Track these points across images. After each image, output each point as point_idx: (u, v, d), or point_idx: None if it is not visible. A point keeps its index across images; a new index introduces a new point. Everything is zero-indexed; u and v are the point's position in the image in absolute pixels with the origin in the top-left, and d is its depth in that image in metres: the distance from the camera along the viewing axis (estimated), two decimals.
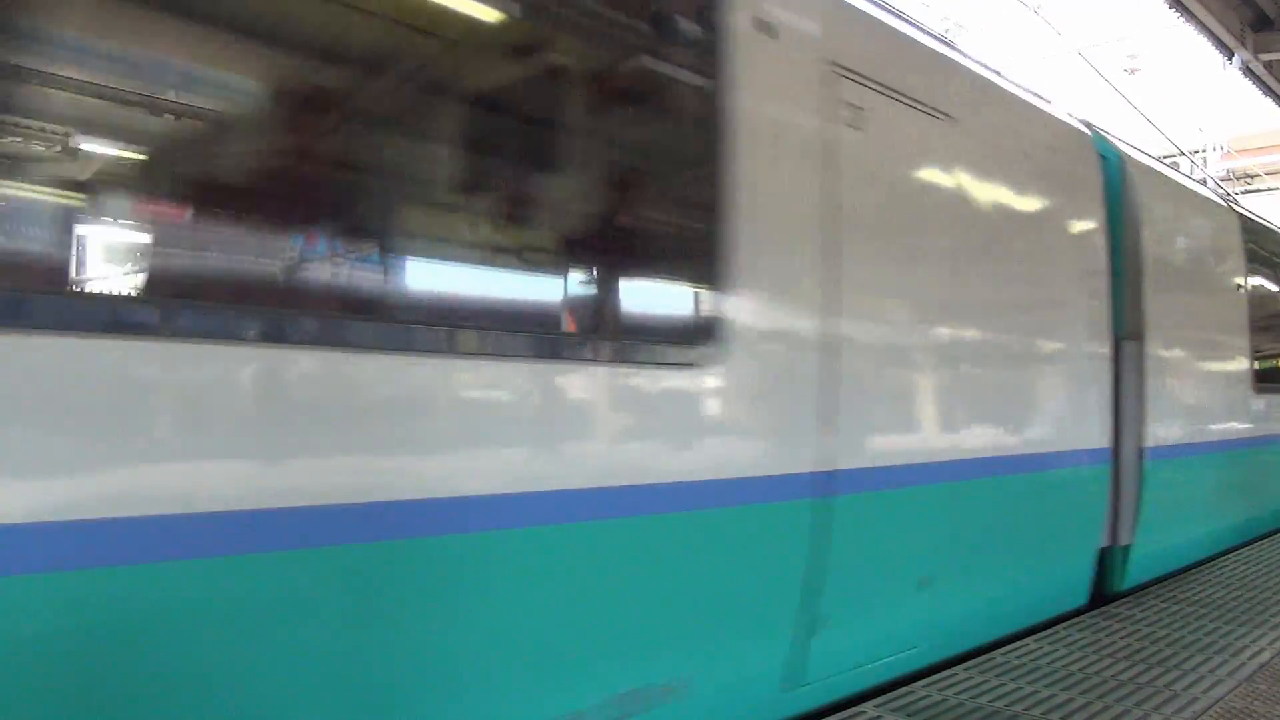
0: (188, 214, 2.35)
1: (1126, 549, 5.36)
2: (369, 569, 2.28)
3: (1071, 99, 5.78)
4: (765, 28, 3.24)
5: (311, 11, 2.51)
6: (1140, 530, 5.37)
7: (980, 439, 4.28)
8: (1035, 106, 5.03)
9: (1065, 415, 4.89)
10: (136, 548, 1.92)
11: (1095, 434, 5.06)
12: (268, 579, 2.12)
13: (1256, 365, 7.18)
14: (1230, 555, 6.73)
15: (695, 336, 3.03)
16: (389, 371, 2.33)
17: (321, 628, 2.22)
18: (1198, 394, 6.43)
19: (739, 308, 3.09)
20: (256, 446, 2.12)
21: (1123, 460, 5.28)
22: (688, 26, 3.12)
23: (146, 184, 2.31)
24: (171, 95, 2.31)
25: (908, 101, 3.88)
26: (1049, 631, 4.50)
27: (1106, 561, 5.33)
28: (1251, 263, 7.30)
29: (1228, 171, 20.59)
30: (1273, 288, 7.97)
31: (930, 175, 4.02)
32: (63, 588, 1.85)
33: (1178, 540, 6.10)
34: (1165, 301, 5.76)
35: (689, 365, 2.97)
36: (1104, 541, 5.23)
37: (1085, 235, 5.11)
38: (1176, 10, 10.10)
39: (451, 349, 2.44)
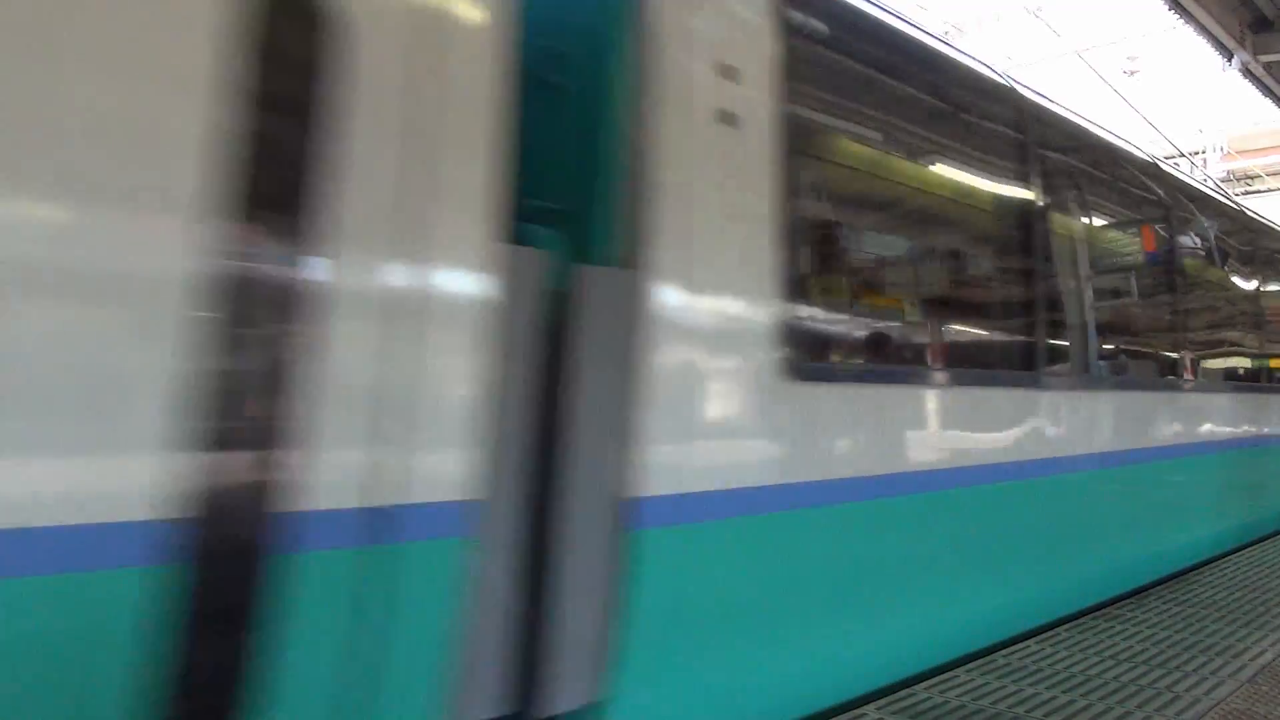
0: None
1: None
2: None
3: (1072, 101, 5.78)
4: None
5: None
6: None
7: None
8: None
9: None
10: None
11: None
12: None
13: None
14: (1233, 556, 6.73)
15: None
16: None
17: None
18: None
19: None
20: None
21: None
22: None
23: None
24: None
25: None
26: (1050, 634, 4.50)
27: None
28: None
29: (1228, 173, 20.59)
30: None
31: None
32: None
33: None
34: None
35: None
36: None
37: None
38: (1176, 12, 10.11)
39: None
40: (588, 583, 2.60)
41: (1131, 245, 6.71)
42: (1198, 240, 7.60)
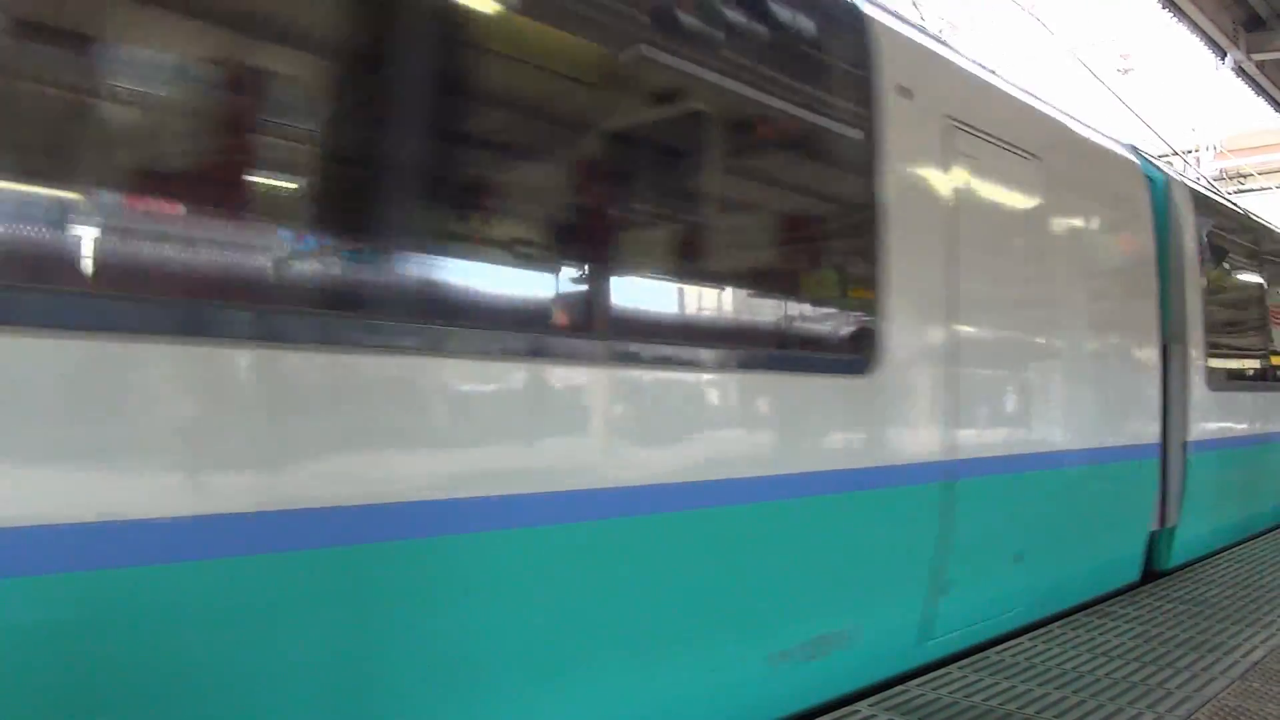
0: None
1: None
2: None
3: (1065, 99, 5.79)
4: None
5: None
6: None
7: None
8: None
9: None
10: None
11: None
12: None
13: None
14: (1223, 554, 6.75)
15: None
16: None
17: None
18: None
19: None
20: None
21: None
22: None
23: None
24: None
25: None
26: (1042, 630, 4.51)
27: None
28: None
29: (1221, 171, 20.66)
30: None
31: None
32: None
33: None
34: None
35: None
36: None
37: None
38: (1169, 10, 10.13)
39: None
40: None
41: None
42: None
